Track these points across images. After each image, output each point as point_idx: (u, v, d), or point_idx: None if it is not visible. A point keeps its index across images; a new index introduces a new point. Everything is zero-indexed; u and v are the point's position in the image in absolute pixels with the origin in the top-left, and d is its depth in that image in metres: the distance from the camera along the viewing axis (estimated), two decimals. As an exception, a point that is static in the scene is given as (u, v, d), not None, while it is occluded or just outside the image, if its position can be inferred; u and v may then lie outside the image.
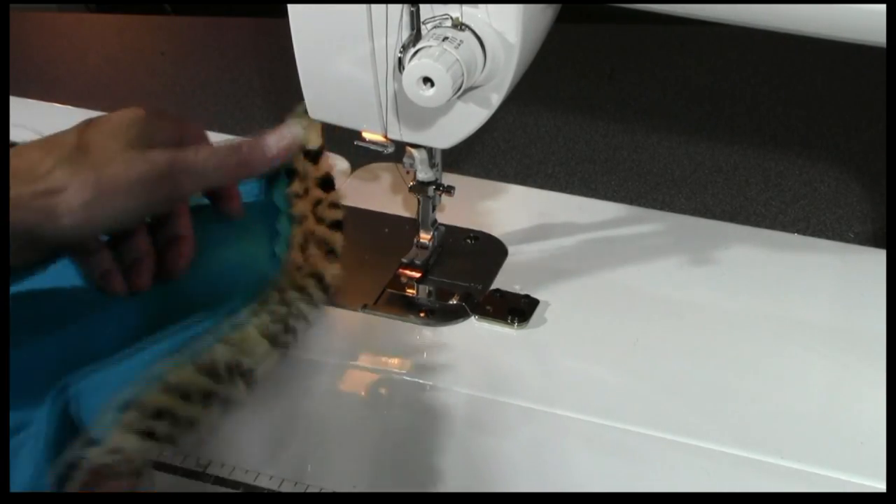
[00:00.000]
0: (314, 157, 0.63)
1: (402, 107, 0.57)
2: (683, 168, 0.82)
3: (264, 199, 0.63)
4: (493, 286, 0.65)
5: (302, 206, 0.63)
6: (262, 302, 0.55)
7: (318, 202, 0.62)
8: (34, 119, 0.80)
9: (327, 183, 0.63)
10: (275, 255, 0.60)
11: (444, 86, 0.49)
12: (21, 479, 0.45)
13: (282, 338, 0.54)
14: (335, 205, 0.63)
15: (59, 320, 0.54)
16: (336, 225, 0.62)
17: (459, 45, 0.50)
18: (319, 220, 0.62)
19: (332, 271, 0.60)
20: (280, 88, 0.95)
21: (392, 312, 0.63)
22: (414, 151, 0.61)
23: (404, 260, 0.66)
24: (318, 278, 0.59)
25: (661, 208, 0.75)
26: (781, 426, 0.55)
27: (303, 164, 0.63)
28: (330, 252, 0.61)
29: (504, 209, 0.72)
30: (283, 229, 0.62)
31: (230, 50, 1.05)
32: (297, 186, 0.63)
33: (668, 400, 0.57)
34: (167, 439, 0.47)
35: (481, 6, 0.50)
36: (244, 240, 0.61)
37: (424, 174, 0.62)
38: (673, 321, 0.62)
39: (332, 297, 0.61)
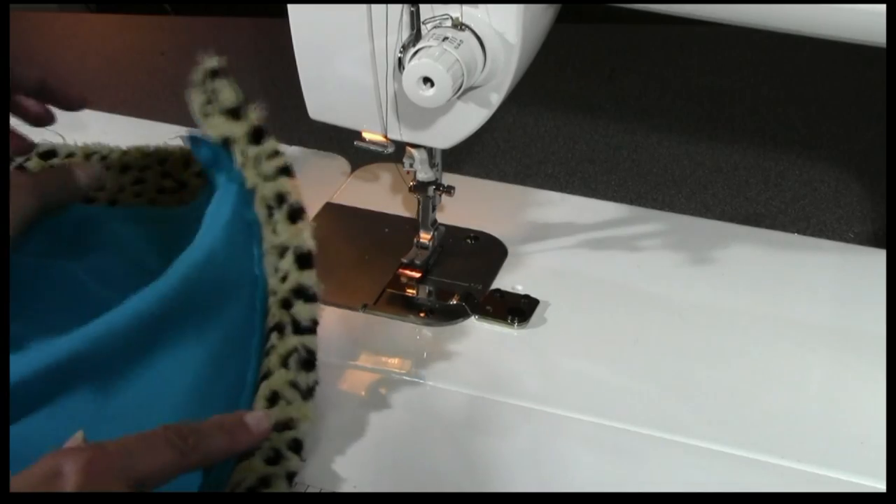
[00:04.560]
0: (235, 113, 0.59)
1: (402, 107, 0.57)
2: (683, 168, 0.82)
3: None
4: (493, 286, 0.65)
5: (249, 175, 0.59)
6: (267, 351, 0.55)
7: (256, 160, 0.59)
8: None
9: (257, 136, 0.59)
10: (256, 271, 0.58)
11: (444, 86, 0.49)
12: None
13: (307, 380, 0.54)
14: (272, 154, 0.59)
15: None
16: (281, 172, 0.59)
17: (459, 45, 0.50)
18: (265, 177, 0.59)
19: (303, 236, 0.57)
20: (280, 88, 0.95)
21: (392, 312, 0.63)
22: (414, 151, 0.61)
23: (404, 260, 0.66)
24: (294, 251, 0.57)
25: (661, 208, 0.75)
26: (781, 426, 0.55)
27: (229, 128, 0.59)
28: (293, 212, 0.57)
29: (504, 209, 0.72)
30: (251, 215, 0.59)
31: (230, 50, 1.04)
32: (238, 157, 0.59)
33: (668, 400, 0.57)
34: None
35: (481, 6, 0.50)
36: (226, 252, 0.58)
37: (424, 174, 0.62)
38: (673, 321, 0.62)
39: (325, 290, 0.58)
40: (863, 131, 0.86)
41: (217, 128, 0.60)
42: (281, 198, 0.58)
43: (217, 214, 0.58)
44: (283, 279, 0.56)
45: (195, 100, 0.61)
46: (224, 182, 0.60)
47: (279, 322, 0.55)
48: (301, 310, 0.55)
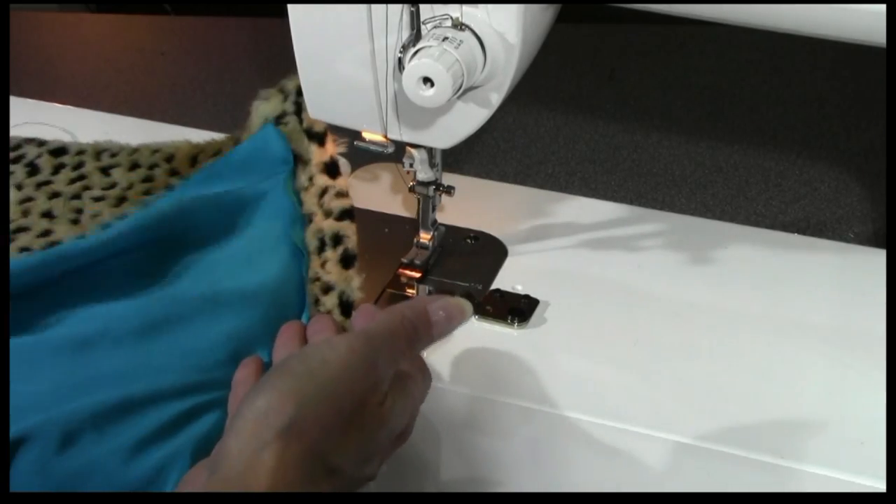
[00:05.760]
0: (320, 138, 0.62)
1: (402, 107, 0.57)
2: (683, 168, 0.82)
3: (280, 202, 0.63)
4: (493, 286, 0.65)
5: (308, 201, 0.62)
6: None
7: (323, 191, 0.61)
8: (26, 119, 0.80)
9: (332, 168, 0.62)
10: (299, 272, 0.60)
11: (444, 86, 0.49)
12: None
13: None
14: (342, 193, 0.62)
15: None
16: (345, 215, 0.61)
17: (459, 45, 0.50)
18: (327, 213, 0.61)
19: (352, 284, 0.60)
20: (280, 88, 0.95)
21: (392, 312, 0.63)
22: (414, 151, 0.61)
23: (404, 260, 0.66)
24: (340, 298, 0.59)
25: (661, 208, 0.75)
26: (781, 426, 0.55)
27: (307, 147, 0.62)
28: (346, 257, 0.60)
29: (504, 209, 0.72)
30: (297, 237, 0.62)
31: (230, 50, 1.05)
32: (302, 176, 0.62)
33: (668, 400, 0.57)
34: None
35: (481, 6, 0.50)
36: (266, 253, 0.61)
37: (424, 174, 0.62)
38: (673, 321, 0.62)
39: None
40: (863, 131, 0.86)
41: (293, 142, 0.62)
42: (338, 239, 0.60)
43: (285, 236, 0.61)
44: None
45: (269, 106, 0.63)
46: (286, 200, 0.62)
47: None
48: None
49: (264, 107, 0.65)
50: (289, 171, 0.63)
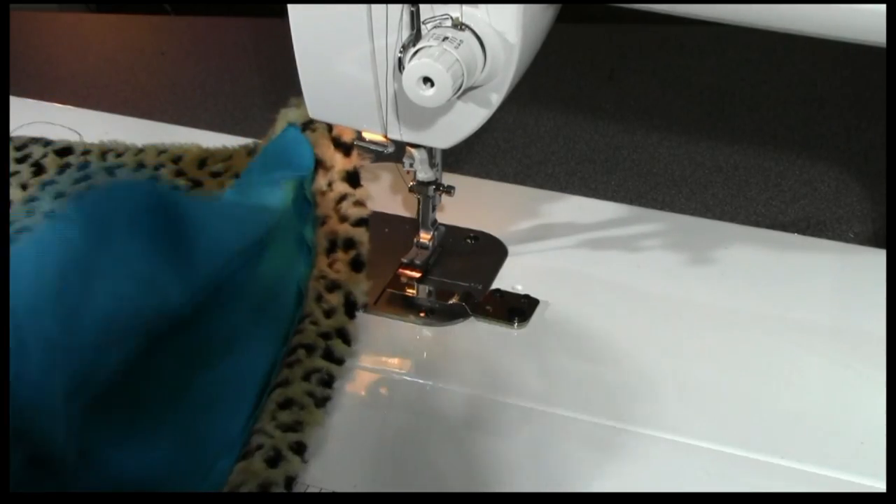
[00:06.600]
0: (346, 148, 0.63)
1: (402, 107, 0.57)
2: (683, 168, 0.82)
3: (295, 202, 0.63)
4: (493, 286, 0.65)
5: (325, 205, 0.62)
6: (289, 362, 0.56)
7: (342, 198, 0.62)
8: (34, 119, 0.80)
9: (354, 178, 0.63)
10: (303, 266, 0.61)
11: (444, 86, 0.49)
12: None
13: (322, 392, 0.56)
14: (360, 202, 0.63)
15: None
16: (361, 223, 0.62)
17: (459, 45, 0.50)
18: (343, 218, 0.62)
19: (360, 286, 0.60)
20: (280, 88, 0.95)
21: (392, 312, 0.63)
22: (414, 151, 0.61)
23: (404, 260, 0.66)
24: (347, 297, 0.59)
25: (661, 208, 0.75)
26: (781, 426, 0.55)
27: (332, 155, 0.63)
28: (357, 261, 0.61)
29: (504, 209, 0.72)
30: (308, 234, 0.62)
31: (230, 50, 1.05)
32: (321, 180, 0.63)
33: (668, 400, 0.57)
34: None
35: (481, 6, 0.50)
36: (277, 255, 0.61)
37: (424, 174, 0.62)
38: (673, 321, 0.62)
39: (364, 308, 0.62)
40: (863, 131, 0.86)
41: (318, 147, 0.63)
42: (351, 243, 0.62)
43: (290, 230, 0.62)
44: (327, 314, 0.59)
45: (298, 113, 0.64)
46: (302, 202, 0.63)
47: (311, 343, 0.57)
48: (338, 346, 0.58)
49: (292, 113, 0.65)
50: (308, 174, 0.64)
